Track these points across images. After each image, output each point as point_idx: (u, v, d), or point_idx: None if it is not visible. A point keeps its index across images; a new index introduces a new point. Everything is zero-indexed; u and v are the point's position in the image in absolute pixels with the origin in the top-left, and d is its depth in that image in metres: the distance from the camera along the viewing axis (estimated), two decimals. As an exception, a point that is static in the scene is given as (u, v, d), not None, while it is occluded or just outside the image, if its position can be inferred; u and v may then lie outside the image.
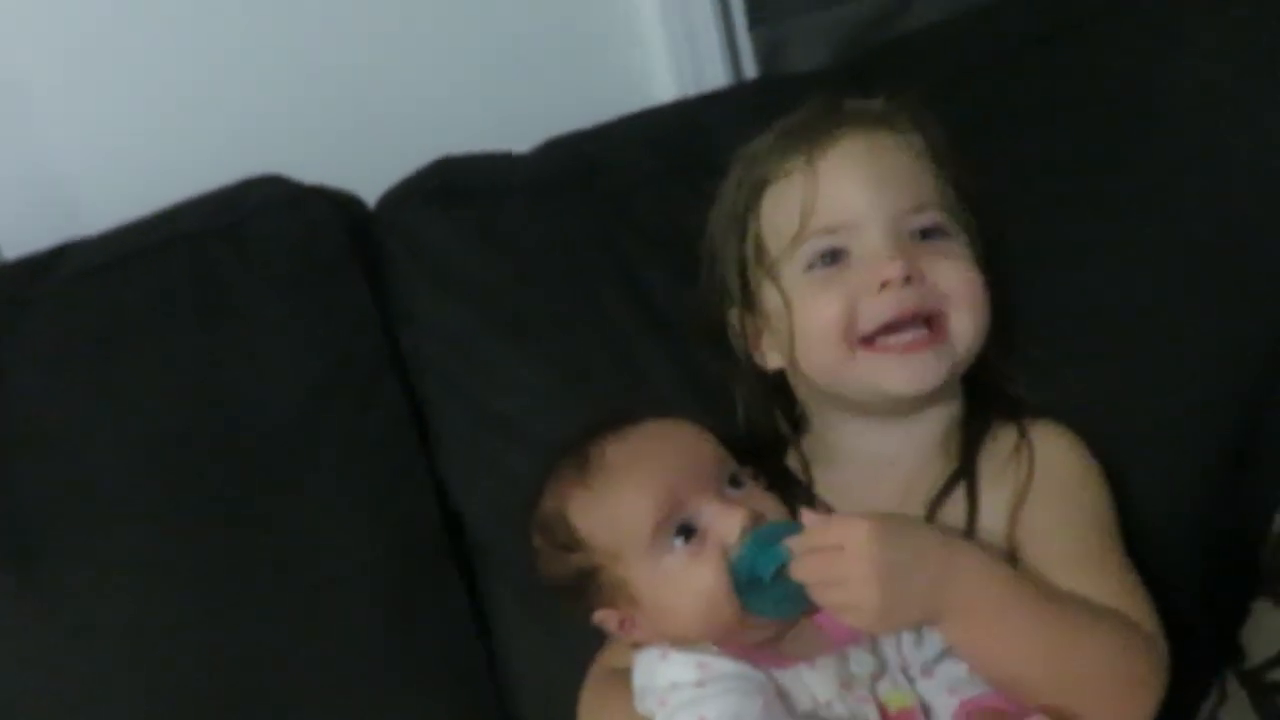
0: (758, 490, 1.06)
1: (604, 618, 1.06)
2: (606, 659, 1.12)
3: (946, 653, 1.01)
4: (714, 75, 1.47)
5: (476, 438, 1.25)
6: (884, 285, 1.04)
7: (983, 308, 1.08)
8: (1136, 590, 1.02)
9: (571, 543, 1.04)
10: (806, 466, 1.14)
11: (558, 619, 1.16)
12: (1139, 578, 1.03)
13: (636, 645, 1.04)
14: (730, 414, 1.19)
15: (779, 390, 1.17)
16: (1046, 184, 1.23)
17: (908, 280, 1.04)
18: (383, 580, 1.22)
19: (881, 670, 1.01)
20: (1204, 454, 1.18)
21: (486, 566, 1.26)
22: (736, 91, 1.41)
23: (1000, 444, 1.09)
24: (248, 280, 1.22)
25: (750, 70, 1.49)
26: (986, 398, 1.13)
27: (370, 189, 1.31)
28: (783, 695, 0.98)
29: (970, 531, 1.05)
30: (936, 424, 1.11)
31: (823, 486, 1.13)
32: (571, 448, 1.06)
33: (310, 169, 1.28)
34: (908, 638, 1.02)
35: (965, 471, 1.07)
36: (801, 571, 0.96)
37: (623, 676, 1.04)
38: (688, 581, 1.00)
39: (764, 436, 1.17)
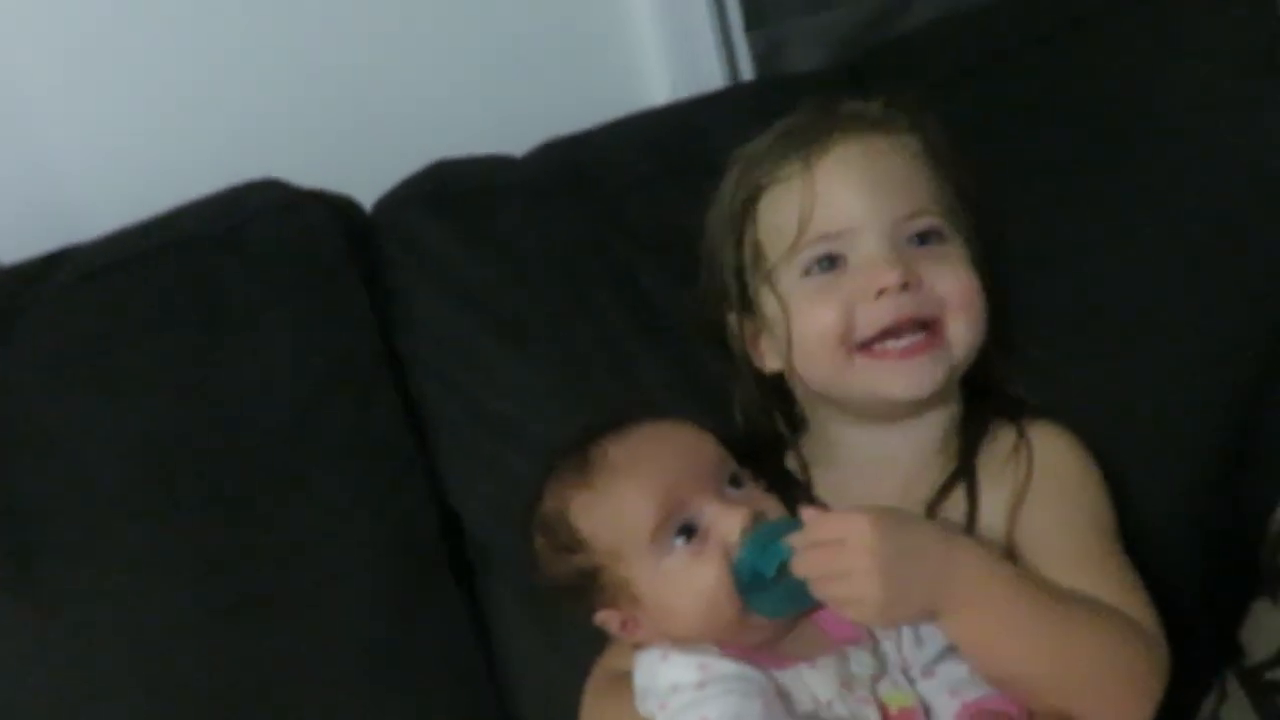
0: (758, 490, 1.06)
1: (605, 618, 1.06)
2: (608, 661, 1.12)
3: (947, 653, 1.01)
4: (710, 77, 1.47)
5: (475, 439, 1.25)
6: (881, 292, 1.04)
7: (980, 312, 1.08)
8: (1136, 589, 1.02)
9: (573, 543, 1.04)
10: (805, 467, 1.14)
11: (557, 620, 1.17)
12: (1138, 577, 1.03)
13: (638, 646, 1.04)
14: (728, 415, 1.19)
15: (778, 391, 1.17)
16: (1046, 184, 1.23)
17: (905, 286, 1.04)
18: (382, 580, 1.22)
19: (882, 670, 1.01)
20: (1203, 454, 1.18)
21: (486, 567, 1.27)
22: (733, 93, 1.41)
23: (999, 444, 1.09)
24: (246, 284, 1.22)
25: (747, 72, 1.49)
26: (985, 398, 1.13)
27: (366, 191, 1.31)
28: (783, 696, 0.98)
29: (970, 532, 1.05)
30: (935, 425, 1.11)
31: (822, 487, 1.13)
32: (572, 449, 1.06)
33: (306, 171, 1.28)
34: (908, 638, 1.02)
35: (964, 472, 1.08)
36: (803, 567, 0.96)
37: (624, 679, 1.04)
38: (689, 581, 1.00)
39: (763, 437, 1.17)
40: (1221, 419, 1.19)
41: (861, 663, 1.01)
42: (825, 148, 1.08)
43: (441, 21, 1.43)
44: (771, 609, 1.00)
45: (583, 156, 1.30)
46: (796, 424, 1.19)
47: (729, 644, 1.01)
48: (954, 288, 1.07)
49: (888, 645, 1.02)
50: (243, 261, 1.22)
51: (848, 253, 1.07)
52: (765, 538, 0.99)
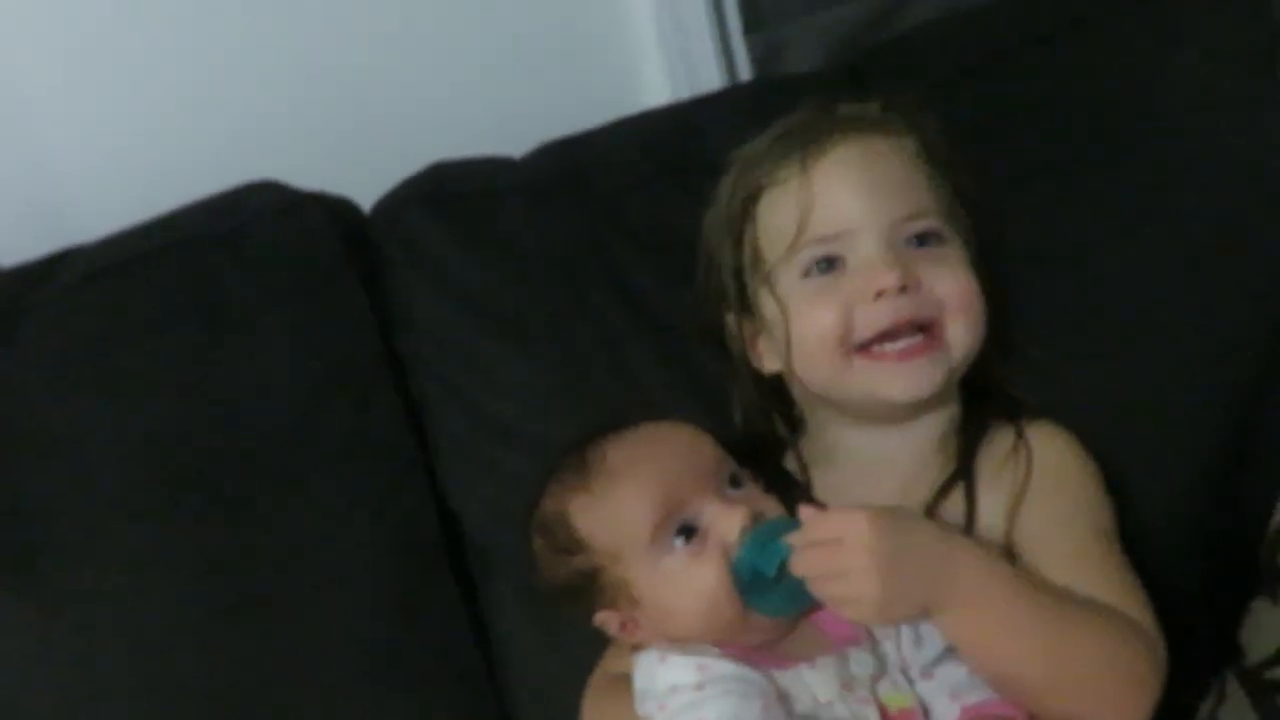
0: (757, 490, 1.06)
1: (605, 619, 1.06)
2: (608, 664, 1.12)
3: (947, 654, 1.01)
4: (708, 78, 1.47)
5: (474, 440, 1.25)
6: (880, 294, 1.04)
7: (978, 314, 1.08)
8: (1134, 589, 1.02)
9: (572, 545, 1.04)
10: (804, 468, 1.14)
11: (557, 620, 1.17)
12: (1137, 577, 1.03)
13: (637, 648, 1.04)
14: (728, 415, 1.19)
15: (776, 392, 1.17)
16: (1046, 184, 1.23)
17: (903, 288, 1.04)
18: (382, 581, 1.22)
19: (882, 671, 1.01)
20: (1203, 454, 1.19)
21: (486, 568, 1.27)
22: (731, 94, 1.41)
23: (997, 445, 1.09)
24: (246, 286, 1.22)
25: (745, 73, 1.49)
26: (984, 399, 1.13)
27: (364, 193, 1.31)
28: (783, 696, 0.98)
29: (969, 532, 1.05)
30: (934, 426, 1.11)
31: (821, 488, 1.13)
32: (570, 451, 1.06)
33: (305, 173, 1.28)
34: (908, 638, 1.02)
35: (963, 473, 1.08)
36: (801, 565, 0.96)
37: (625, 681, 1.04)
38: (689, 581, 1.00)
39: (761, 438, 1.17)
40: (1221, 419, 1.19)
41: (861, 663, 1.00)
42: (823, 149, 1.08)
43: (440, 23, 1.43)
44: (771, 608, 1.00)
45: (581, 157, 1.30)
46: (795, 425, 1.19)
47: (728, 645, 1.01)
48: (952, 289, 1.07)
49: (887, 645, 1.02)
50: (242, 263, 1.23)
51: (846, 254, 1.07)
52: (764, 537, 0.99)
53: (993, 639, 0.97)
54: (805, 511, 0.98)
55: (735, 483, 1.04)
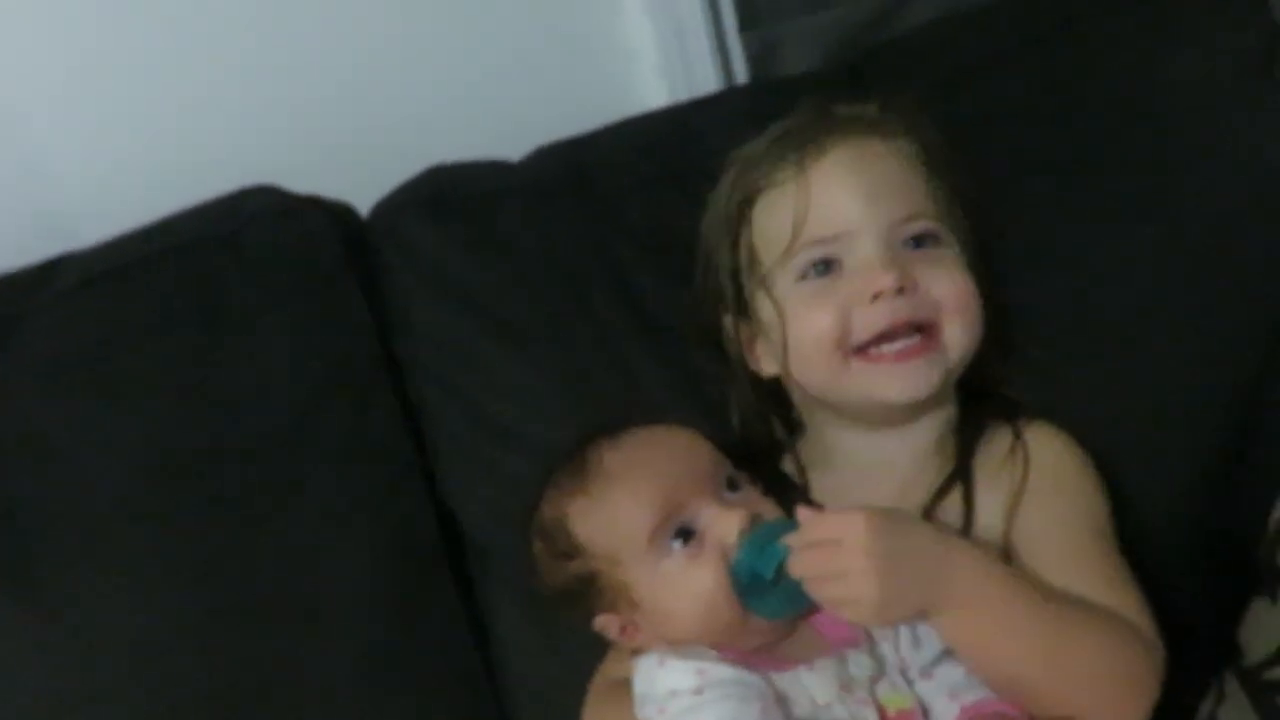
0: (755, 492, 1.06)
1: (605, 623, 1.06)
2: (609, 668, 1.12)
3: (945, 655, 1.01)
4: (705, 80, 1.46)
5: (474, 442, 1.26)
6: (877, 295, 1.04)
7: (975, 315, 1.08)
8: (1132, 590, 1.02)
9: (571, 549, 1.05)
10: (802, 470, 1.14)
11: (556, 621, 1.17)
12: (1135, 578, 1.03)
13: (637, 651, 1.04)
14: (726, 417, 1.19)
15: (774, 395, 1.17)
16: (1045, 184, 1.23)
17: (900, 290, 1.04)
18: (381, 583, 1.22)
19: (880, 672, 1.01)
20: (1202, 453, 1.19)
21: (485, 568, 1.27)
22: (728, 96, 1.41)
23: (995, 446, 1.09)
24: (244, 290, 1.22)
25: (741, 74, 1.48)
26: (981, 400, 1.13)
27: (362, 197, 1.31)
28: (781, 699, 0.98)
29: (967, 533, 1.06)
30: (932, 428, 1.11)
31: (819, 490, 1.13)
32: (568, 456, 1.07)
33: (303, 177, 1.28)
34: (906, 639, 1.02)
35: (961, 474, 1.08)
36: (799, 567, 0.96)
37: (625, 685, 1.04)
38: (687, 584, 1.00)
39: (760, 441, 1.17)
40: (1221, 419, 1.19)
41: (860, 665, 1.01)
42: (820, 151, 1.08)
43: (436, 27, 1.42)
44: (770, 610, 1.00)
45: (579, 160, 1.30)
46: (793, 427, 1.19)
47: (728, 648, 1.01)
48: (950, 291, 1.07)
49: (886, 647, 1.02)
50: (241, 267, 1.23)
51: (843, 256, 1.07)
52: (762, 539, 0.99)
53: (990, 640, 0.97)
54: (803, 513, 0.98)
55: (733, 485, 1.05)
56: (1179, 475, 1.18)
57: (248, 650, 1.18)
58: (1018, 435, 1.08)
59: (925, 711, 1.01)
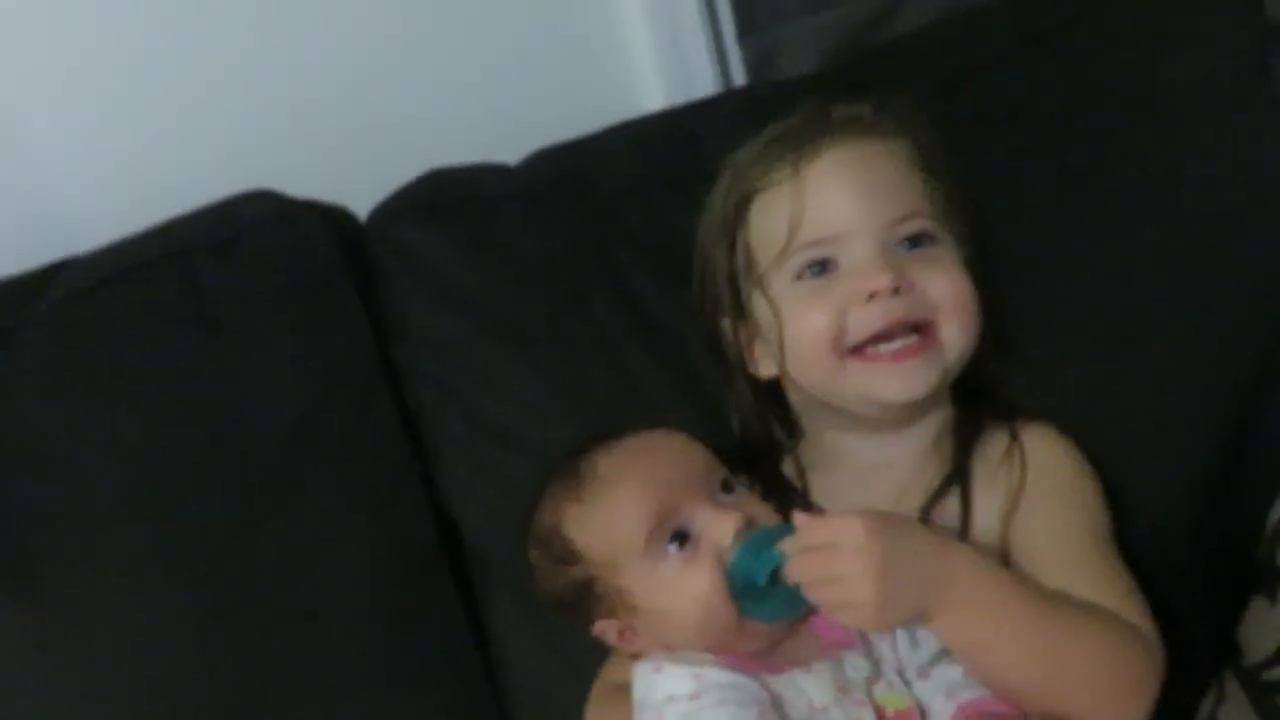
0: (749, 495, 1.07)
1: (604, 628, 1.06)
2: (609, 673, 1.12)
3: (942, 655, 1.01)
4: (703, 84, 1.46)
5: (472, 446, 1.26)
6: (872, 295, 1.04)
7: (972, 314, 1.08)
8: (1131, 591, 1.02)
9: (568, 555, 1.05)
10: (802, 472, 1.14)
11: (555, 623, 1.16)
12: (1133, 579, 1.03)
13: (636, 656, 1.05)
14: (726, 420, 1.19)
15: (773, 397, 1.17)
16: (1044, 184, 1.23)
17: (896, 290, 1.04)
18: (380, 585, 1.22)
19: (877, 673, 1.01)
20: (1201, 454, 1.18)
21: (484, 569, 1.27)
22: (726, 99, 1.40)
23: (992, 448, 1.09)
24: (242, 295, 1.22)
25: (739, 78, 1.48)
26: (978, 401, 1.12)
27: (360, 201, 1.31)
28: (778, 703, 0.98)
29: (964, 535, 1.06)
30: (929, 429, 1.11)
31: (819, 492, 1.13)
32: (563, 464, 1.07)
33: (300, 182, 1.28)
34: (903, 639, 1.02)
35: (958, 475, 1.08)
36: (796, 571, 0.96)
37: (625, 691, 1.04)
38: (683, 587, 1.01)
39: (759, 443, 1.17)
40: (1221, 419, 1.19)
41: (856, 666, 1.01)
42: (815, 152, 1.08)
43: (434, 31, 1.42)
44: (766, 614, 1.00)
45: (577, 164, 1.30)
46: (793, 429, 1.19)
47: (726, 652, 1.01)
48: (946, 290, 1.07)
49: (883, 647, 1.03)
50: (238, 272, 1.23)
51: (839, 257, 1.07)
52: (757, 545, 0.99)
53: (989, 642, 0.97)
54: (799, 517, 0.98)
55: (727, 488, 1.05)
56: (1179, 475, 1.18)
57: (248, 650, 1.18)
58: (1015, 437, 1.08)
59: (923, 711, 1.01)
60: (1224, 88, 1.24)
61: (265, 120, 1.38)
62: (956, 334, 1.07)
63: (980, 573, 0.97)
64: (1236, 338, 1.20)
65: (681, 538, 1.01)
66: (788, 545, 0.97)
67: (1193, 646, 1.06)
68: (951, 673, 1.01)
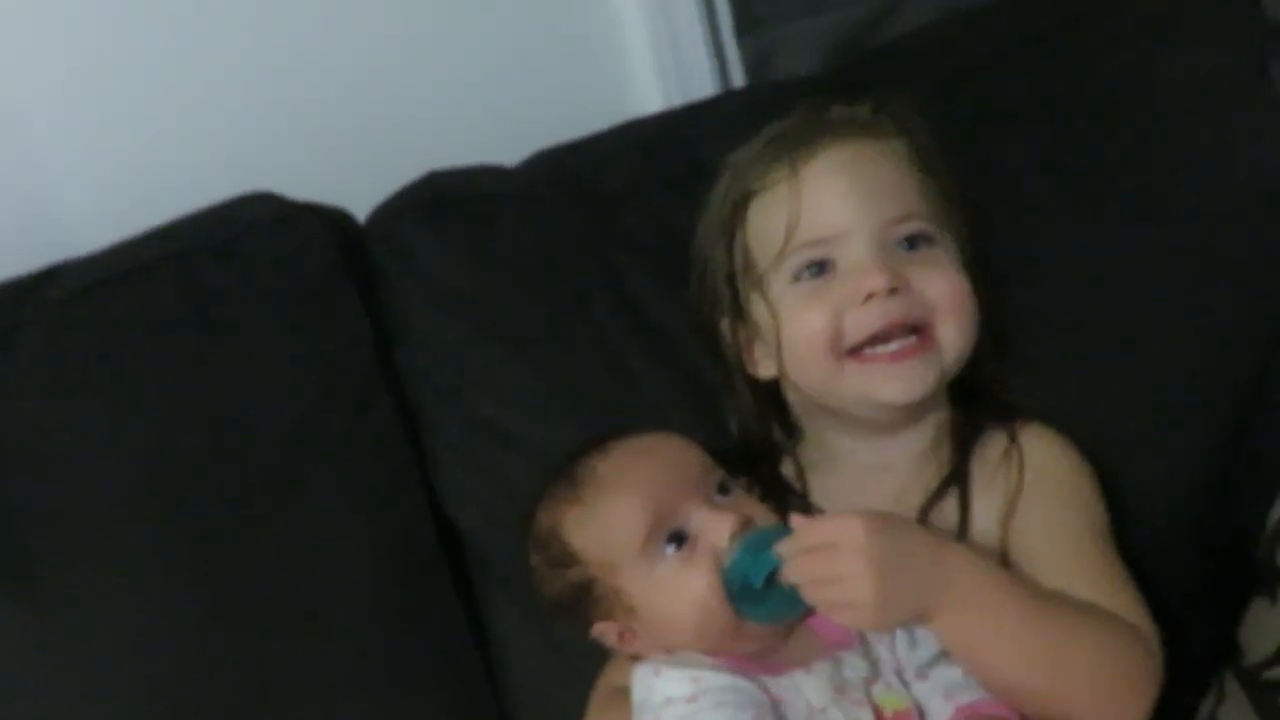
0: (746, 496, 1.07)
1: (603, 630, 1.06)
2: (609, 676, 1.12)
3: (941, 656, 1.01)
4: (701, 85, 1.46)
5: (472, 447, 1.26)
6: (870, 296, 1.04)
7: (970, 315, 1.08)
8: (1130, 591, 1.02)
9: (566, 558, 1.05)
10: (801, 473, 1.14)
11: (555, 626, 1.17)
12: (1132, 579, 1.03)
13: (636, 659, 1.05)
14: (724, 421, 1.19)
15: (772, 398, 1.17)
16: (1044, 184, 1.23)
17: (893, 291, 1.04)
18: (380, 585, 1.22)
19: (875, 674, 1.01)
20: (1201, 454, 1.19)
21: (484, 570, 1.27)
22: (724, 100, 1.41)
23: (990, 449, 1.09)
24: (241, 297, 1.22)
25: (738, 79, 1.48)
26: (976, 402, 1.12)
27: (359, 203, 1.31)
28: (777, 704, 0.98)
29: (963, 536, 1.06)
30: (928, 430, 1.11)
31: (818, 493, 1.13)
32: (561, 467, 1.07)
33: (299, 184, 1.28)
34: (902, 640, 1.02)
35: (957, 477, 1.08)
36: (795, 572, 0.96)
37: (626, 694, 1.04)
38: (680, 589, 1.01)
39: (758, 444, 1.17)
40: (1219, 419, 1.19)
41: (854, 667, 1.01)
42: (813, 153, 1.08)
43: (433, 32, 1.42)
44: (764, 616, 1.00)
45: (576, 165, 1.30)
46: (792, 430, 1.18)
47: (724, 654, 1.01)
48: (944, 291, 1.06)
49: (881, 648, 1.03)
50: (238, 274, 1.23)
51: (836, 258, 1.07)
52: (755, 545, 0.99)
53: (988, 643, 0.97)
54: (797, 519, 0.98)
55: (724, 490, 1.05)
56: (1179, 475, 1.18)
57: (248, 650, 1.18)
58: (1013, 438, 1.08)
59: (921, 712, 1.01)
60: (1224, 88, 1.24)
61: (265, 121, 1.38)
62: (954, 335, 1.07)
63: (979, 573, 0.97)
64: (1236, 338, 1.20)
65: (679, 539, 1.02)
66: (785, 547, 0.97)
67: (1193, 646, 1.06)
68: (950, 674, 1.01)
